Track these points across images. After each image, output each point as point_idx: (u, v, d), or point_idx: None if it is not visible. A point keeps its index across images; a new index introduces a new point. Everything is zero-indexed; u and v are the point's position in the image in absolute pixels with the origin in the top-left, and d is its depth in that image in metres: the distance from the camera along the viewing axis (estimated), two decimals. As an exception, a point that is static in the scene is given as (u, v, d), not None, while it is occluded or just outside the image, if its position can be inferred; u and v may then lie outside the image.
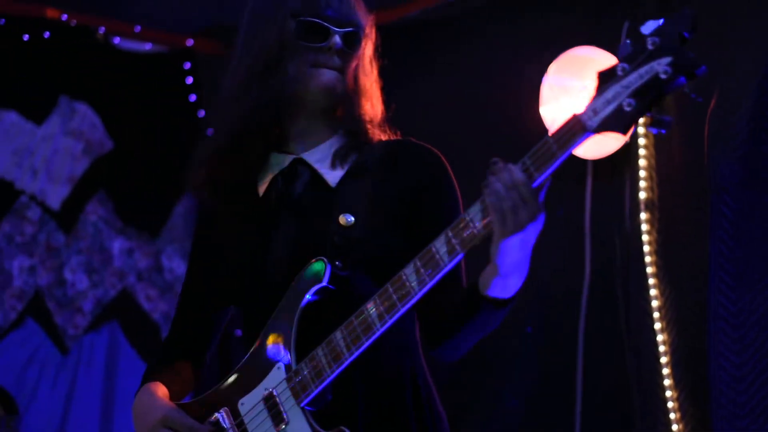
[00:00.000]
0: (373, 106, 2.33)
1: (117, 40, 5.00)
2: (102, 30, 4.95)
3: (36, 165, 4.86)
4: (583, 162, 3.97)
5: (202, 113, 5.08)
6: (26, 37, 4.79)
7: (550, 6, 4.19)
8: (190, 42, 5.10)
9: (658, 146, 3.80)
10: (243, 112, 2.28)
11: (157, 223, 5.06)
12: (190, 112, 5.09)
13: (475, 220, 1.96)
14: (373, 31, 2.34)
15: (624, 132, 1.83)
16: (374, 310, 2.05)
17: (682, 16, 1.78)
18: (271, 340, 2.19)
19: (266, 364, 2.19)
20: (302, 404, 2.12)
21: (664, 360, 3.67)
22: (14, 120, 4.83)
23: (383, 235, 2.22)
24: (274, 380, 2.17)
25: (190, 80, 5.11)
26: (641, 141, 3.81)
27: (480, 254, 2.06)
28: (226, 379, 2.26)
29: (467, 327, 2.11)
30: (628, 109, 1.81)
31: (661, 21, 1.80)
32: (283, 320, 2.18)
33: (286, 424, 2.13)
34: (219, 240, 2.36)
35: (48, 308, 4.81)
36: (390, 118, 2.37)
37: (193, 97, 5.11)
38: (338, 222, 2.20)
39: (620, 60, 1.82)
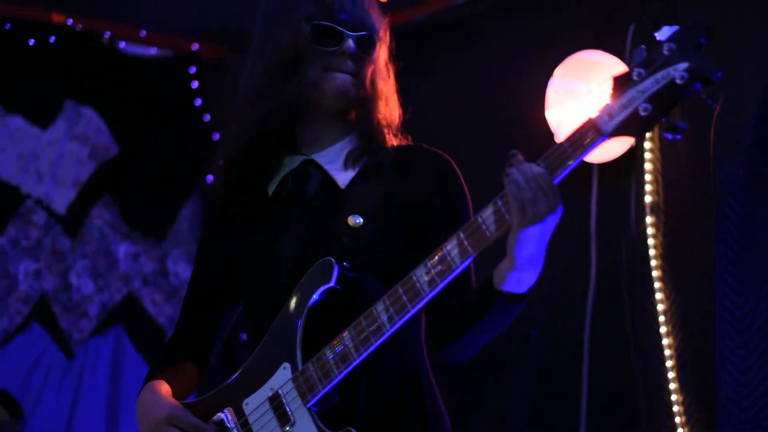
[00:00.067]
0: (390, 111, 2.33)
1: (122, 44, 5.00)
2: (107, 34, 4.96)
3: (41, 169, 4.86)
4: (588, 166, 3.97)
5: (207, 117, 5.08)
6: (32, 41, 4.80)
7: (556, 10, 4.19)
8: (195, 46, 5.11)
9: (664, 150, 3.80)
10: (257, 116, 2.27)
11: (162, 227, 5.06)
12: (195, 117, 5.09)
13: (488, 221, 1.97)
14: (388, 34, 2.34)
15: (639, 136, 1.84)
16: (384, 311, 2.05)
17: (699, 23, 1.79)
18: (277, 340, 2.19)
19: (272, 364, 2.18)
20: (309, 404, 2.12)
21: (669, 363, 3.67)
22: (20, 124, 4.83)
23: (392, 237, 2.21)
24: (280, 380, 2.16)
25: (195, 84, 5.12)
26: (647, 145, 3.82)
27: (489, 257, 2.06)
28: (230, 379, 2.25)
29: (479, 325, 2.10)
30: (643, 113, 1.81)
31: (676, 27, 1.81)
32: (290, 320, 2.17)
33: (293, 425, 2.13)
34: (227, 240, 2.36)
35: (53, 312, 4.81)
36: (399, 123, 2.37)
37: (198, 101, 5.11)
38: (347, 223, 2.20)
39: (635, 65, 1.83)
